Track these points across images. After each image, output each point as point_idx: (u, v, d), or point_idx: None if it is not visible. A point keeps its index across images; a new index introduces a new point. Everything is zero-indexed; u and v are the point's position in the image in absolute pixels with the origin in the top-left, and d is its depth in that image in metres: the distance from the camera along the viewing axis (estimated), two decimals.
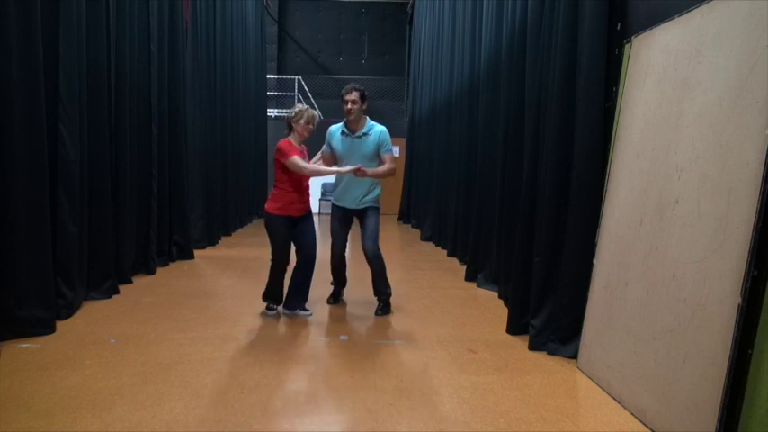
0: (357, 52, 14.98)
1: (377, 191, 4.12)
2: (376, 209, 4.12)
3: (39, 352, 3.07)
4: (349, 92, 3.95)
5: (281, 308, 4.11)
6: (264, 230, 3.94)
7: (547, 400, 2.64)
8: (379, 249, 4.05)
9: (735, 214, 2.03)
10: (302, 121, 3.80)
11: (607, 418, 2.48)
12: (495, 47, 5.11)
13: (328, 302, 4.42)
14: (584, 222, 3.14)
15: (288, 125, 3.87)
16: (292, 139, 3.85)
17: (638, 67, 2.84)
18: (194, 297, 4.50)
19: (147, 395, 2.55)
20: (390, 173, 4.01)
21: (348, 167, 3.83)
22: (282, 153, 3.75)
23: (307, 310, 4.08)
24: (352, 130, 4.04)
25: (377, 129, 4.04)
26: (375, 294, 4.23)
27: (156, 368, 2.89)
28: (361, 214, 4.12)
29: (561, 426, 2.39)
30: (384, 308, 4.18)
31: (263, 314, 4.03)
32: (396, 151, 13.66)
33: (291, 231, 3.91)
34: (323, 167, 4.01)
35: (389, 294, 4.22)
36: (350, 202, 4.08)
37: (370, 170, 3.86)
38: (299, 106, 3.89)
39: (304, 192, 3.95)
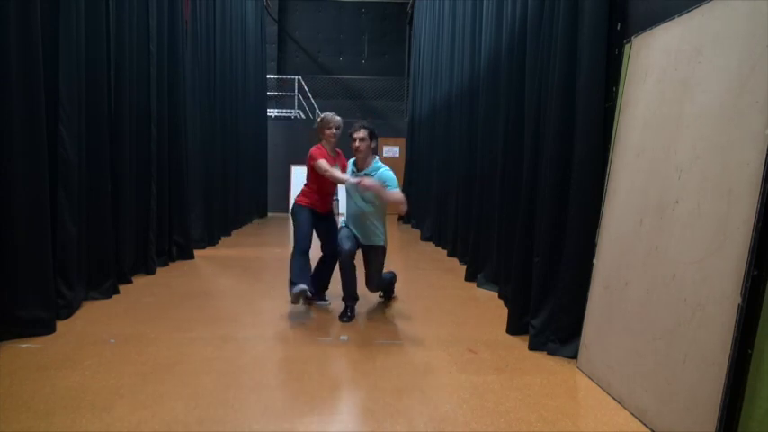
0: (357, 52, 14.99)
1: (382, 227, 4.07)
2: (382, 247, 4.09)
3: (39, 352, 3.07)
4: (357, 129, 3.96)
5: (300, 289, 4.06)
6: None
7: (547, 400, 2.64)
8: (382, 281, 4.24)
9: (735, 214, 2.03)
10: (323, 127, 4.12)
11: (607, 418, 2.48)
12: (495, 47, 5.11)
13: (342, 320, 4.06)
14: (584, 222, 3.13)
15: (316, 134, 4.20)
16: (324, 145, 4.12)
17: (638, 67, 2.84)
18: (194, 297, 4.50)
19: (147, 395, 2.55)
20: (397, 200, 3.79)
21: (354, 179, 3.86)
22: (312, 157, 4.05)
23: (326, 300, 4.40)
24: (359, 167, 4.05)
25: (381, 171, 3.94)
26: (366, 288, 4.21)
27: (156, 368, 2.89)
28: (367, 249, 4.08)
29: (561, 426, 2.39)
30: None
31: (293, 305, 4.17)
32: (396, 151, 13.80)
33: (314, 222, 4.11)
34: (338, 174, 3.97)
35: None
36: (359, 235, 4.07)
37: (368, 180, 3.74)
38: (321, 114, 4.23)
39: (327, 196, 4.23)
